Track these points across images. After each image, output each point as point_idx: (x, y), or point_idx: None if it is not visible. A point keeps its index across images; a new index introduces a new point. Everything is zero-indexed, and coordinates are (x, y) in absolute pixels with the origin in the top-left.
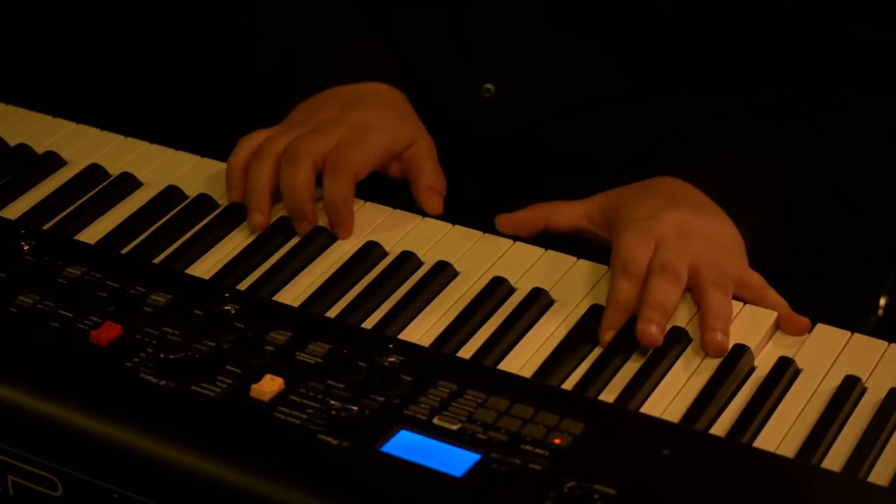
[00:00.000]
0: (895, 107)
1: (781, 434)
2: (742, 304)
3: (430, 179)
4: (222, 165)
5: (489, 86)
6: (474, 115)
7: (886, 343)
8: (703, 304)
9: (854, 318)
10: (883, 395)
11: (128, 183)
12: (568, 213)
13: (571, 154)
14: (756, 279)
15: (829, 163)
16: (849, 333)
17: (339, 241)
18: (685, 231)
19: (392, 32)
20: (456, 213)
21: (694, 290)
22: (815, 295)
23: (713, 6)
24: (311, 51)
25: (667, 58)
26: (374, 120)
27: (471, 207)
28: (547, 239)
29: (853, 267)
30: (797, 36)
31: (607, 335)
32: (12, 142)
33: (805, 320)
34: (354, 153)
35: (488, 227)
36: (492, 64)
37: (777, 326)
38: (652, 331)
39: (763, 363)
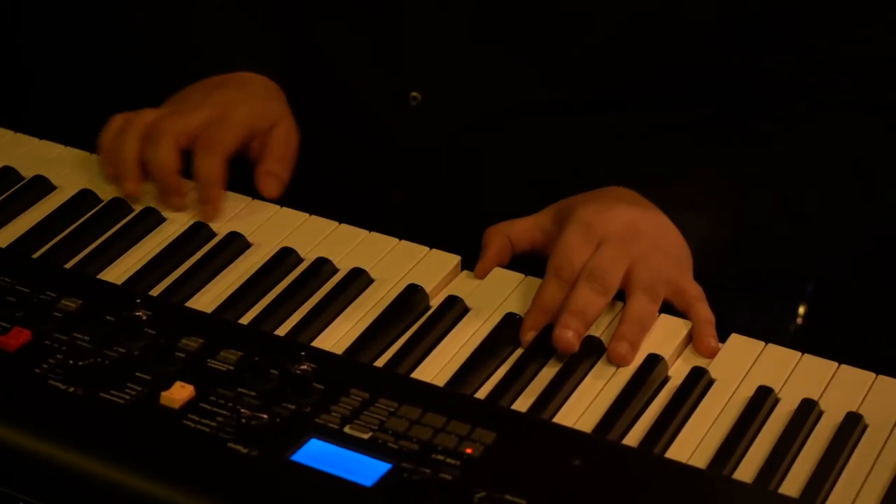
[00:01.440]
0: (844, 120)
1: (694, 444)
2: (658, 314)
3: (270, 164)
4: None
5: (416, 94)
6: (401, 123)
7: (800, 354)
8: (625, 307)
9: (773, 328)
10: (796, 405)
11: (41, 186)
12: (519, 229)
13: (499, 164)
14: (694, 289)
15: (771, 175)
16: (763, 344)
17: (253, 247)
18: (631, 230)
19: (317, 39)
20: (382, 220)
21: (625, 291)
22: (736, 304)
23: (642, 20)
24: (193, 45)
25: (596, 70)
26: (236, 97)
27: (397, 215)
28: (461, 246)
29: (785, 278)
30: (731, 50)
31: (528, 335)
32: None
33: (714, 348)
34: (222, 131)
35: (413, 236)
36: (420, 72)
37: (691, 338)
38: (568, 336)
39: (677, 373)
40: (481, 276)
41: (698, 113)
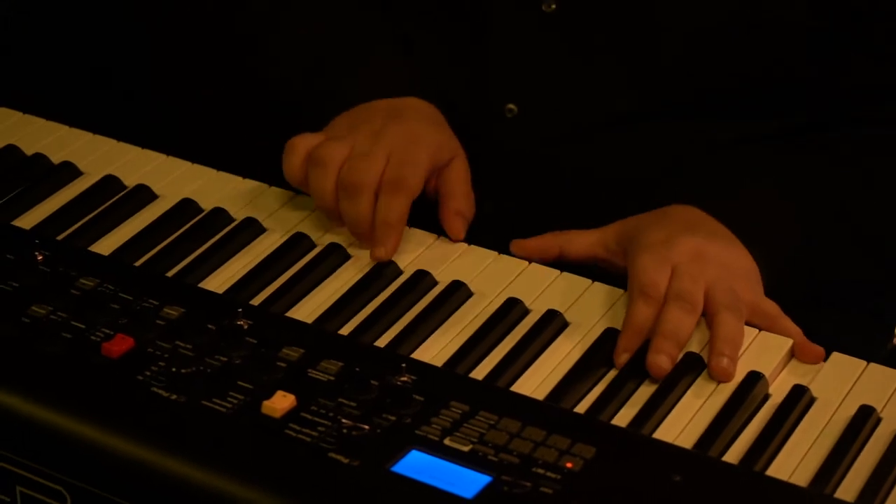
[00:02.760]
0: None
1: (795, 463)
2: (757, 331)
3: (459, 204)
4: (238, 179)
5: (512, 106)
6: (496, 135)
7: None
8: (713, 328)
9: (869, 348)
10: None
11: (143, 195)
12: (582, 241)
13: (590, 175)
14: (771, 307)
15: (844, 191)
16: (864, 363)
17: (353, 259)
18: (700, 256)
19: (415, 50)
20: (473, 231)
21: (707, 314)
22: (831, 324)
23: (733, 27)
24: (343, 63)
25: (685, 78)
26: (419, 132)
27: (488, 227)
28: (563, 262)
29: (869, 296)
30: (819, 59)
31: (622, 358)
32: (29, 151)
33: (819, 349)
34: (409, 172)
35: (504, 248)
36: (515, 84)
37: (792, 354)
38: (661, 361)
39: (777, 391)
40: (516, 252)
41: (781, 123)
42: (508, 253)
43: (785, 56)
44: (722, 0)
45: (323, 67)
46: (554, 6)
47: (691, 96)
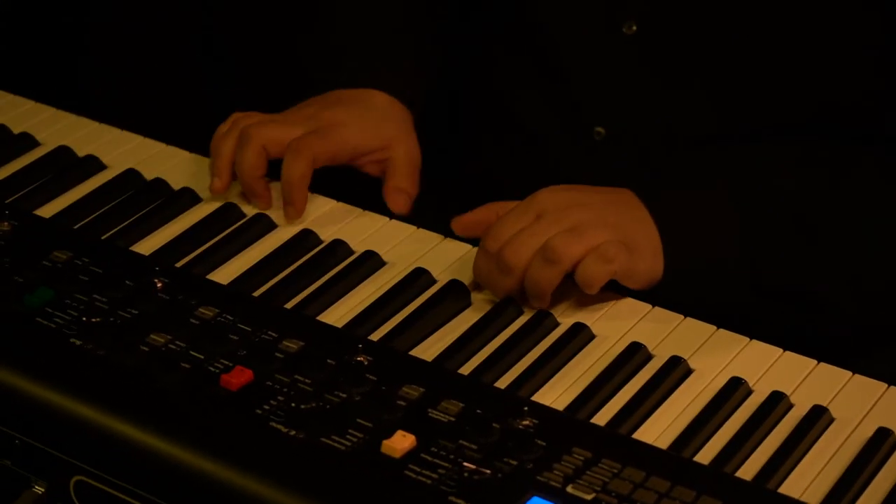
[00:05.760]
0: None
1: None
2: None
3: (398, 181)
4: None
5: (600, 129)
6: (585, 159)
7: None
8: None
9: None
10: None
11: (261, 224)
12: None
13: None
14: (615, 251)
15: (839, 208)
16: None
17: (473, 305)
18: (580, 209)
19: (498, 81)
20: None
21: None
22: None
23: (810, 51)
24: (362, 45)
25: (767, 101)
26: (345, 119)
27: None
28: (660, 290)
29: None
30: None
31: None
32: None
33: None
34: (314, 141)
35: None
36: (600, 107)
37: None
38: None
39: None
40: (456, 230)
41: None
42: (617, 289)
43: (863, 78)
44: (797, 23)
45: (330, 55)
46: (635, 28)
47: (771, 118)
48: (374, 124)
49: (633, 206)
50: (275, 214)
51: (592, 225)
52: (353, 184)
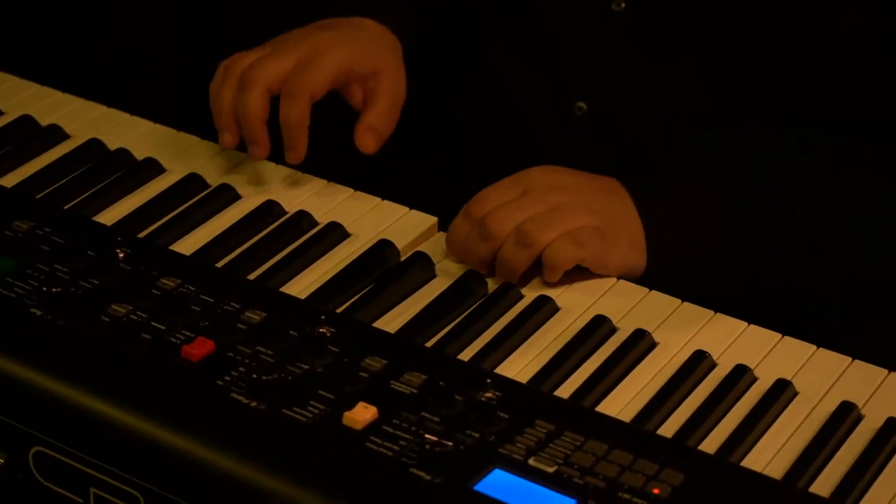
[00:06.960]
0: None
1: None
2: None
3: (373, 118)
4: (323, 183)
5: (581, 104)
6: (566, 133)
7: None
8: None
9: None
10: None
11: (225, 195)
12: None
13: (656, 175)
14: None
15: (832, 199)
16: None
17: (438, 277)
18: (565, 192)
19: (484, 49)
20: None
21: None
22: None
23: (805, 36)
24: None
25: (756, 84)
26: (337, 41)
27: None
28: (651, 281)
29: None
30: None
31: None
32: (113, 145)
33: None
34: (308, 75)
35: None
36: (583, 82)
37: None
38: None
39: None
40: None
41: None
42: None
43: (858, 67)
44: (789, 6)
45: None
46: (623, 5)
47: (759, 103)
48: (366, 46)
49: (620, 197)
50: (238, 184)
51: (574, 209)
52: (317, 155)
